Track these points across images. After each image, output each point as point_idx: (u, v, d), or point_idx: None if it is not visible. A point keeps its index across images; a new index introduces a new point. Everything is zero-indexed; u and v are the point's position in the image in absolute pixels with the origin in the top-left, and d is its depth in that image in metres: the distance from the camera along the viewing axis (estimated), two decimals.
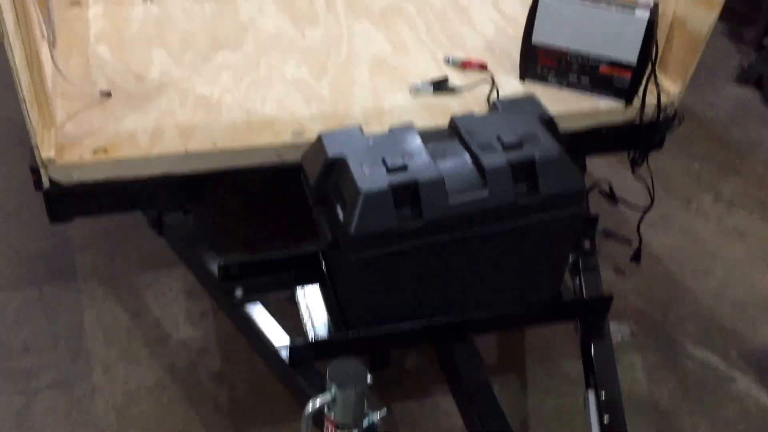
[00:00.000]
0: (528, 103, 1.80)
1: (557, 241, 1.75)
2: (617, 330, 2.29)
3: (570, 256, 1.93)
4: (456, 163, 1.62)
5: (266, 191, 2.02)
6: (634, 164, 2.22)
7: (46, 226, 1.91)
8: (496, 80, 2.15)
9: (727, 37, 3.79)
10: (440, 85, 2.12)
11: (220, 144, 1.87)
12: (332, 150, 1.62)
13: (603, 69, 2.08)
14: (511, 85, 2.16)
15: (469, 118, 1.74)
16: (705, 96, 3.39)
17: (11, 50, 1.56)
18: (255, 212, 2.55)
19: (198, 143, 1.86)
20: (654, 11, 1.99)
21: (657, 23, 2.02)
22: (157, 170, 1.84)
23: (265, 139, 1.91)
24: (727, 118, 3.30)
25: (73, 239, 2.47)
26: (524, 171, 1.61)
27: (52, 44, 1.92)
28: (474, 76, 2.19)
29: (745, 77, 3.52)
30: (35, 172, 1.76)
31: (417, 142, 1.65)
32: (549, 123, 1.73)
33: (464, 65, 2.22)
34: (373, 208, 1.52)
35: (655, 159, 2.23)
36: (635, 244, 2.48)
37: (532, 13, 2.08)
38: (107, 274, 2.38)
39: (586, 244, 2.01)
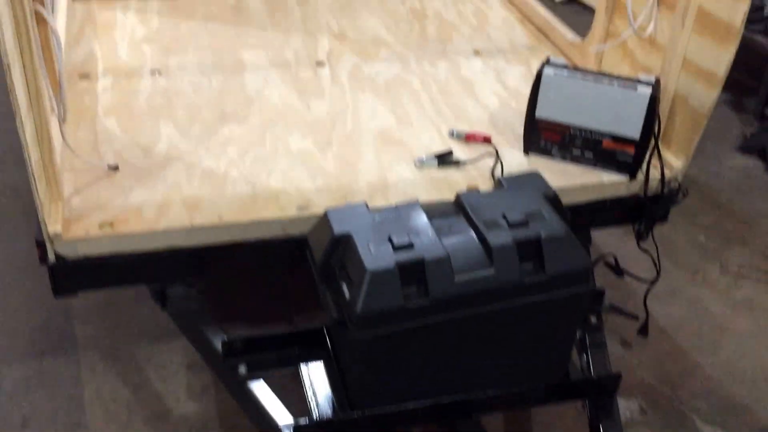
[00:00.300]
0: (533, 179, 1.81)
1: (564, 319, 1.74)
2: (626, 406, 2.25)
3: (576, 333, 1.91)
4: (462, 240, 1.62)
5: (270, 264, 2.02)
6: (639, 237, 2.22)
7: (48, 297, 1.89)
8: (500, 153, 2.16)
9: (730, 107, 3.83)
10: (444, 159, 2.13)
11: (225, 218, 1.87)
12: (338, 227, 1.62)
13: (606, 144, 2.09)
14: (515, 159, 2.17)
15: (474, 194, 1.74)
16: (709, 165, 3.41)
17: (23, 127, 1.58)
18: (259, 285, 2.54)
19: (204, 217, 1.87)
20: (656, 87, 2.02)
21: (659, 99, 2.04)
22: (162, 244, 1.84)
23: (270, 212, 1.91)
24: (731, 188, 3.31)
25: (75, 310, 2.46)
26: (530, 249, 1.61)
27: (62, 120, 1.94)
28: (478, 149, 2.20)
29: (748, 147, 3.55)
30: (40, 245, 1.76)
31: (423, 219, 1.65)
32: (554, 200, 1.74)
33: (468, 138, 2.24)
34: (380, 286, 1.52)
35: (661, 230, 2.23)
36: (642, 317, 2.45)
37: (535, 88, 2.10)
38: (108, 346, 2.36)
39: (593, 320, 1.99)
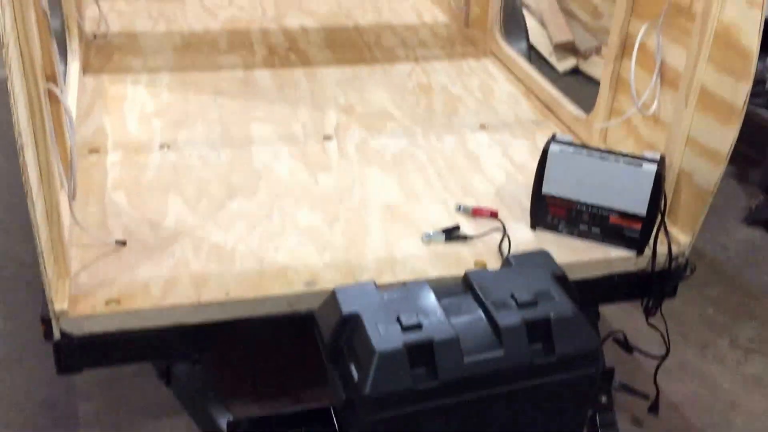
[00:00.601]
0: (541, 258, 1.81)
1: (574, 400, 1.71)
2: None
3: (587, 413, 1.88)
4: (470, 321, 1.61)
5: (278, 340, 2.00)
6: (648, 313, 2.20)
7: (51, 373, 1.88)
8: (507, 228, 2.16)
9: (734, 179, 3.86)
10: (452, 234, 2.14)
11: (232, 294, 1.87)
12: (346, 306, 1.61)
13: (613, 219, 2.10)
14: (522, 234, 2.17)
15: (483, 273, 1.74)
16: (715, 237, 3.41)
17: (33, 207, 1.58)
18: (265, 362, 2.52)
19: (211, 293, 1.86)
20: (661, 165, 2.03)
21: (664, 176, 2.05)
22: (169, 321, 1.83)
23: (277, 289, 1.90)
24: (738, 260, 3.31)
25: (77, 386, 2.43)
26: (539, 330, 1.59)
27: (71, 197, 1.95)
28: (485, 223, 2.20)
29: (754, 219, 3.56)
30: (46, 322, 1.75)
31: (431, 298, 1.64)
32: (562, 280, 1.73)
33: (475, 213, 2.24)
34: (388, 368, 1.50)
35: (669, 303, 2.21)
36: (652, 394, 2.42)
37: (542, 164, 2.12)
38: (110, 423, 2.33)
39: (603, 399, 1.97)
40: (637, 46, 2.26)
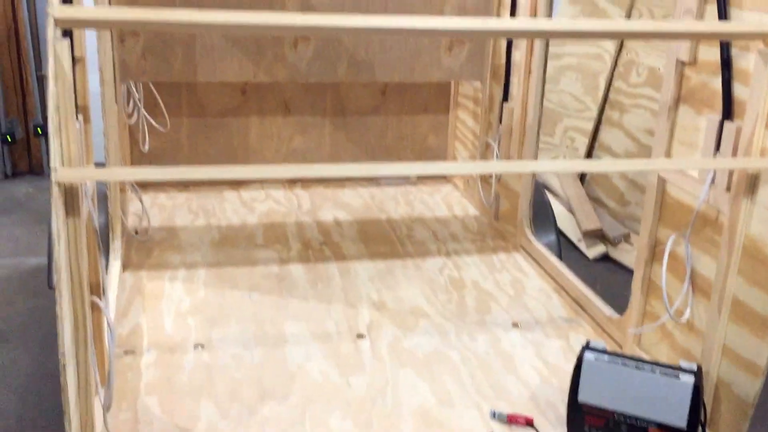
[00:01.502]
0: None
1: None
2: None
3: None
4: None
5: None
6: None
7: None
8: None
9: None
10: None
11: None
12: None
13: (652, 431, 2.04)
14: None
15: None
16: None
17: (69, 425, 1.60)
18: None
19: None
20: (698, 376, 2.00)
21: (702, 388, 2.02)
22: None
23: None
24: None
25: None
26: None
27: (106, 408, 1.96)
28: (521, 431, 2.16)
29: None
30: None
31: None
32: None
33: (510, 420, 2.20)
34: None
35: None
36: None
37: (577, 373, 2.10)
38: None
39: None
40: (666, 254, 2.29)
